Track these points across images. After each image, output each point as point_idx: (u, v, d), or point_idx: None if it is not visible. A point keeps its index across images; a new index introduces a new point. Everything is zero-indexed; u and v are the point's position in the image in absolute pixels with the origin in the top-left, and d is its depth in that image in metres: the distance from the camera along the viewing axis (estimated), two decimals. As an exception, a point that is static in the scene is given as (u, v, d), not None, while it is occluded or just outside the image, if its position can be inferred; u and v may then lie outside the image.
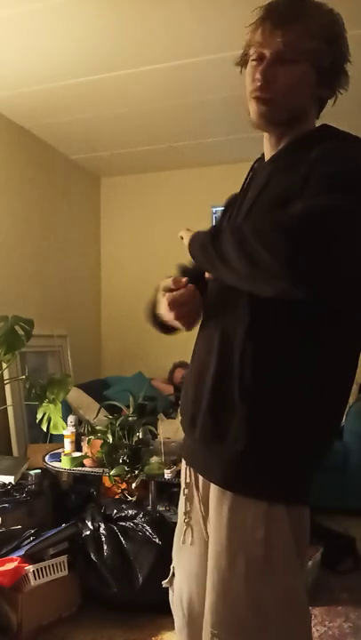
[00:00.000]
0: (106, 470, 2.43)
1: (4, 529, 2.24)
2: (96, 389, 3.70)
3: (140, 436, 2.49)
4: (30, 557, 2.02)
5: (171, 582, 1.22)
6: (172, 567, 1.23)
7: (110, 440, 2.48)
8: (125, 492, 2.47)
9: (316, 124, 1.07)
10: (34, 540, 2.13)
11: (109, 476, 2.39)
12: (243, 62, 1.05)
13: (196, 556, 1.13)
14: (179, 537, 1.18)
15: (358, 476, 3.05)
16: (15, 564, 1.98)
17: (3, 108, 3.40)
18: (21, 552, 2.06)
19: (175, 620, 1.21)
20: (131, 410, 2.72)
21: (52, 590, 2.04)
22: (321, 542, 2.44)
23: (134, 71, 2.90)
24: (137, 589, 2.04)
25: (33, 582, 1.96)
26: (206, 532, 1.09)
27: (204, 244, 0.94)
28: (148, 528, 2.17)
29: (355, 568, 2.48)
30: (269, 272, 0.81)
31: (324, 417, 0.98)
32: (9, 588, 1.94)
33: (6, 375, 3.12)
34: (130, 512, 2.31)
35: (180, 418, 1.16)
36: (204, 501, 1.09)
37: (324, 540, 2.47)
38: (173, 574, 1.22)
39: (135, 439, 2.48)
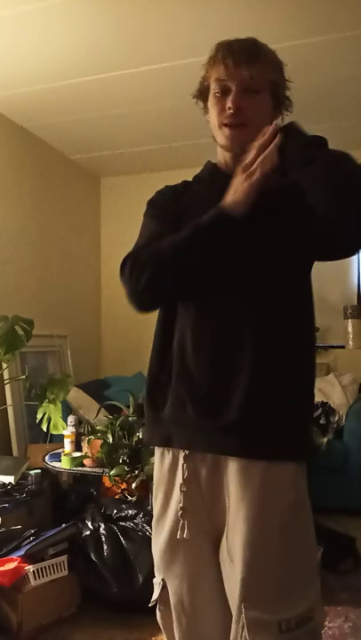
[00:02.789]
0: (106, 470, 2.43)
1: (3, 529, 2.24)
2: (96, 389, 3.70)
3: (140, 436, 2.49)
4: (30, 557, 2.02)
5: (162, 597, 1.18)
6: (159, 581, 1.18)
7: (110, 440, 2.48)
8: (125, 492, 2.47)
9: None
10: (34, 540, 2.13)
11: (109, 475, 2.39)
12: (202, 95, 1.19)
13: (195, 551, 1.12)
14: (172, 537, 1.13)
15: (358, 476, 3.05)
16: (15, 564, 1.98)
17: (3, 108, 3.40)
18: (21, 552, 2.06)
19: (176, 631, 1.16)
20: (131, 410, 2.71)
21: (52, 590, 2.04)
22: (321, 542, 2.43)
23: (134, 71, 2.90)
24: (137, 589, 2.04)
25: (33, 582, 1.96)
26: (215, 516, 1.11)
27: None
28: (148, 528, 2.17)
29: (355, 568, 2.47)
30: None
31: (313, 383, 1.18)
32: (9, 588, 1.94)
33: (6, 375, 3.12)
34: (130, 512, 2.31)
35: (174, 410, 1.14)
36: (214, 487, 1.10)
37: (324, 540, 2.47)
38: (165, 586, 1.17)
39: (135, 439, 2.48)
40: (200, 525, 1.12)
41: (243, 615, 1.01)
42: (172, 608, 1.16)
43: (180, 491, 1.12)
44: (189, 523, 1.12)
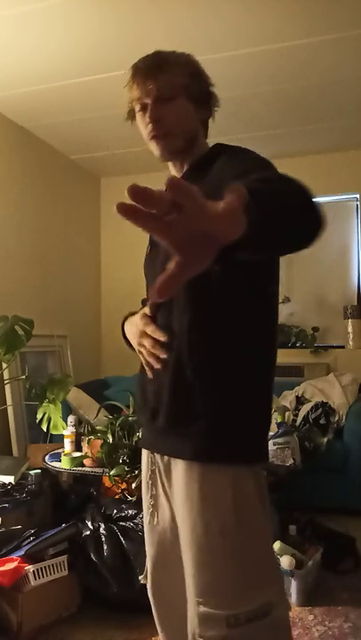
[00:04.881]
0: (106, 470, 2.43)
1: (3, 529, 2.24)
2: (96, 389, 3.70)
3: (140, 436, 2.49)
4: (30, 557, 2.02)
5: (147, 577, 1.30)
6: (147, 562, 1.31)
7: (110, 440, 2.48)
8: (125, 492, 2.47)
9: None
10: (34, 540, 2.13)
11: (109, 475, 2.39)
12: (131, 116, 1.26)
13: (165, 535, 1.23)
14: (146, 521, 1.27)
15: (358, 476, 3.05)
16: (15, 564, 1.98)
17: (3, 108, 3.40)
18: (21, 552, 2.06)
19: (155, 613, 1.29)
20: (131, 410, 2.72)
21: (52, 590, 2.04)
22: (321, 542, 2.44)
23: (134, 71, 2.90)
24: (137, 589, 2.03)
25: (33, 582, 1.96)
26: (172, 509, 1.19)
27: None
28: (148, 528, 2.17)
29: (355, 568, 2.47)
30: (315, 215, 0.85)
31: (260, 384, 1.14)
32: (9, 588, 1.94)
33: (6, 375, 3.12)
34: (130, 512, 2.31)
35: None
36: (168, 483, 1.20)
37: (324, 540, 2.47)
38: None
39: (135, 439, 2.48)
40: (166, 515, 1.22)
41: (196, 610, 1.07)
42: (151, 587, 1.30)
43: (148, 479, 1.26)
44: (154, 512, 1.24)
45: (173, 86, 1.17)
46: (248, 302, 1.11)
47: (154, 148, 1.22)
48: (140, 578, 1.33)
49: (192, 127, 1.22)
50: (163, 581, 1.26)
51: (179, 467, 1.13)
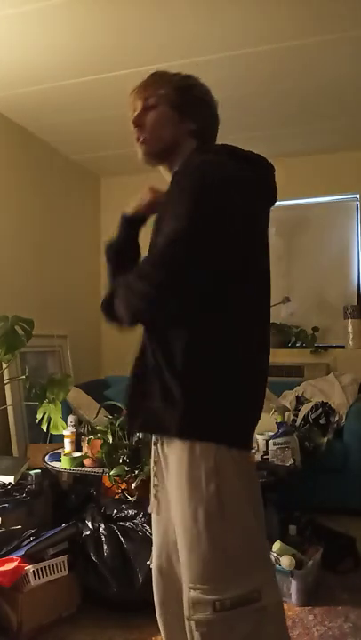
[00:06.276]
0: (106, 470, 2.43)
1: (4, 529, 2.24)
2: (96, 389, 3.70)
3: (140, 436, 2.49)
4: (30, 557, 2.02)
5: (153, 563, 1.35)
6: (153, 549, 1.36)
7: (110, 440, 2.49)
8: (125, 492, 2.47)
9: None
10: (34, 540, 2.13)
11: (109, 475, 2.39)
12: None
13: (168, 524, 1.27)
14: (153, 510, 1.34)
15: (358, 476, 3.05)
16: (15, 564, 1.98)
17: (3, 108, 3.40)
18: (21, 552, 2.06)
19: (156, 598, 1.33)
20: (131, 410, 2.71)
21: (52, 590, 2.04)
22: (321, 542, 2.44)
23: (134, 71, 2.90)
24: (137, 589, 2.04)
25: (33, 582, 1.96)
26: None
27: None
28: (148, 528, 2.17)
29: (355, 568, 2.47)
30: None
31: (236, 370, 1.16)
32: (9, 588, 1.94)
33: (6, 375, 3.12)
34: (130, 512, 2.31)
35: None
36: (167, 472, 1.24)
37: (324, 540, 2.47)
38: None
39: (135, 439, 2.48)
40: (168, 505, 1.25)
41: (187, 594, 1.13)
42: (153, 570, 1.34)
43: (153, 471, 1.31)
44: (160, 499, 1.29)
45: (157, 96, 1.28)
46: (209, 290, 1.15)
47: (138, 152, 1.32)
48: (148, 562, 1.38)
49: (171, 133, 1.29)
50: (164, 568, 1.31)
51: (172, 452, 1.18)
